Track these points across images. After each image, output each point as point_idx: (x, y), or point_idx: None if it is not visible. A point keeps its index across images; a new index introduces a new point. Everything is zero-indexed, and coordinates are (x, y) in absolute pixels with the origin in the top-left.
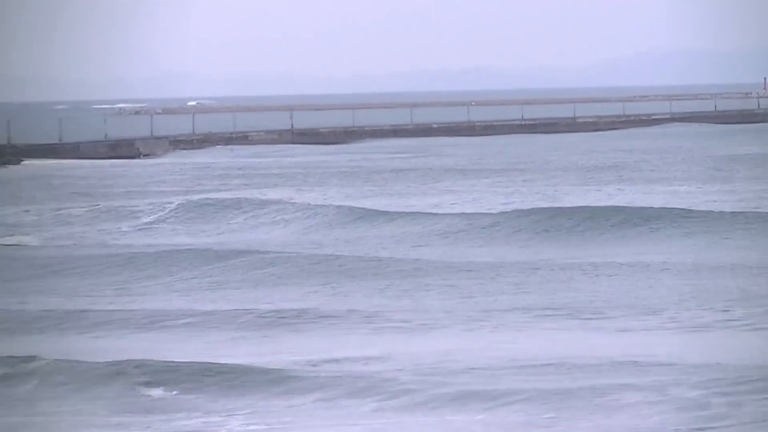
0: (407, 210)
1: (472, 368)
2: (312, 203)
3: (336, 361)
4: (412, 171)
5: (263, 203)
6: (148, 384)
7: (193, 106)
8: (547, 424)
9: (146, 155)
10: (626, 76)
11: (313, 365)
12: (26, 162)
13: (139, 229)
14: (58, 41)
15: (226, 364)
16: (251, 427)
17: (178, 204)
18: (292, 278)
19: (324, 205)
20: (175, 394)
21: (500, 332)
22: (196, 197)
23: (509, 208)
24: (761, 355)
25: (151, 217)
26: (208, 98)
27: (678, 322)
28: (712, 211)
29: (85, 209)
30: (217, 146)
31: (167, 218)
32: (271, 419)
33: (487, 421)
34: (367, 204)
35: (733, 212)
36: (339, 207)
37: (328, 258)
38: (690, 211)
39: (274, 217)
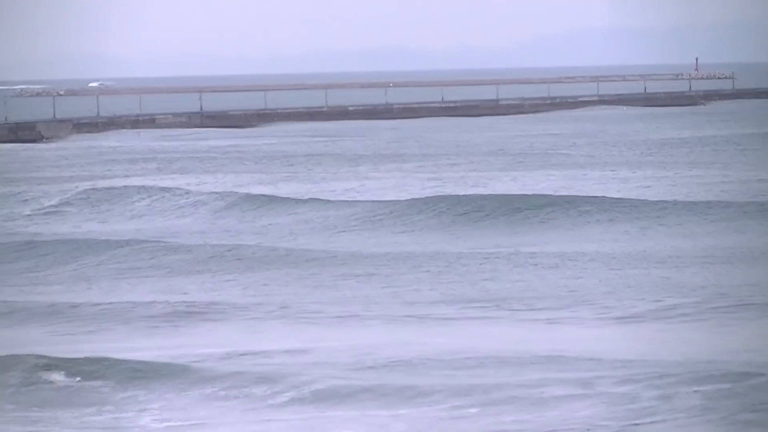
0: (324, 196)
1: (394, 362)
2: (224, 189)
3: (251, 354)
4: (329, 156)
5: (172, 189)
6: (49, 368)
7: (96, 87)
8: (472, 419)
9: (48, 139)
10: (554, 55)
11: (227, 358)
12: None
13: (44, 213)
14: None
15: (132, 359)
16: (164, 424)
17: (84, 189)
18: (203, 267)
19: (236, 192)
20: (78, 381)
21: (423, 325)
22: (102, 182)
23: (431, 194)
24: (693, 347)
25: (54, 201)
26: (110, 79)
27: (609, 313)
28: (645, 199)
29: None
30: (123, 129)
31: (72, 204)
32: (183, 414)
33: (410, 416)
34: (282, 190)
35: (666, 200)
36: (252, 193)
37: (239, 246)
38: (621, 198)
39: (184, 203)
